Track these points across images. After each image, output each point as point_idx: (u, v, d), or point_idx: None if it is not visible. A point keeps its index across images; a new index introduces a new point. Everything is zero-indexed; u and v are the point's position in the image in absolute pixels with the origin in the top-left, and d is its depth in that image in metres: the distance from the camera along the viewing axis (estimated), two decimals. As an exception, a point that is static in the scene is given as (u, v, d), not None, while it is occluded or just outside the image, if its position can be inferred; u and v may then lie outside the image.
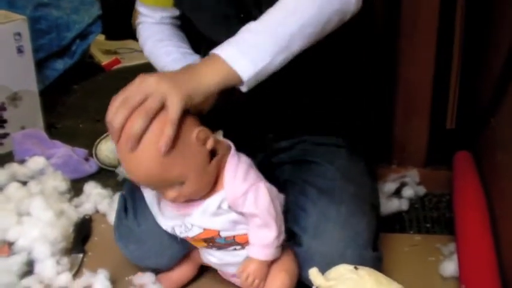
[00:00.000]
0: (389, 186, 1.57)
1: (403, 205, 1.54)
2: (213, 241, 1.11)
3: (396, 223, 1.51)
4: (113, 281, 1.27)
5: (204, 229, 1.09)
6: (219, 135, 1.10)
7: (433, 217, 1.53)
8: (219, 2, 1.18)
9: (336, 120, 1.30)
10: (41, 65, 2.20)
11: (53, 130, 2.02)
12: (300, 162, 1.27)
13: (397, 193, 1.58)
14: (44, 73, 2.24)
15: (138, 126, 0.94)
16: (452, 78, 1.57)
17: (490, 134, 1.46)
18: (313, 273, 0.98)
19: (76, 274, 1.33)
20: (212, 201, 1.07)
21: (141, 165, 0.98)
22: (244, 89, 1.01)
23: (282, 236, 1.10)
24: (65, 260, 1.34)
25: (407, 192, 1.58)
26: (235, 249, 1.12)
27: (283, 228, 1.10)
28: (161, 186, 1.04)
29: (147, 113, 0.94)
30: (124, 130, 0.95)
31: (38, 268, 1.31)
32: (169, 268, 1.26)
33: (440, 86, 1.57)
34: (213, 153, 1.05)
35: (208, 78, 0.98)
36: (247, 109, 1.24)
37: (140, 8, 1.34)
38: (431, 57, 1.53)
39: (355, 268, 0.97)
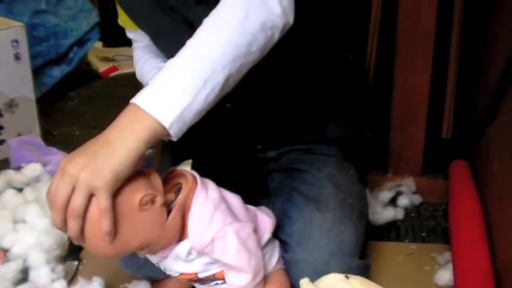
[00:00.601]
0: (385, 194, 1.57)
1: (399, 214, 1.54)
2: (195, 280, 1.09)
3: (391, 232, 1.51)
4: (108, 288, 1.28)
5: (181, 273, 1.07)
6: (187, 166, 1.05)
7: (428, 226, 1.53)
8: (176, 27, 1.13)
9: (325, 129, 1.29)
10: (38, 72, 2.21)
11: (50, 137, 2.02)
12: (288, 170, 1.26)
13: (393, 202, 1.58)
14: (41, 80, 2.25)
15: (73, 228, 0.90)
16: (449, 87, 1.57)
17: (486, 144, 1.47)
18: (304, 284, 0.98)
19: (71, 282, 1.32)
20: (181, 249, 1.02)
21: (97, 252, 0.96)
22: (173, 138, 0.93)
23: (260, 275, 1.05)
24: (60, 268, 1.33)
25: (403, 201, 1.58)
26: (217, 283, 1.09)
27: (261, 266, 1.05)
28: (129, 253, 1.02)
29: (76, 214, 0.89)
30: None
31: (32, 275, 1.31)
32: (164, 278, 1.25)
33: (437, 95, 1.57)
34: (177, 188, 1.01)
35: (133, 142, 0.89)
36: (235, 120, 1.23)
37: (129, 34, 1.33)
38: (428, 66, 1.54)
39: (346, 277, 0.97)
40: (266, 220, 1.12)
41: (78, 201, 0.88)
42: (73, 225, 0.90)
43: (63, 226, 0.91)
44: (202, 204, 1.01)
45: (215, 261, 1.04)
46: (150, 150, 1.01)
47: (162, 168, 1.02)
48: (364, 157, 1.36)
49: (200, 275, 1.07)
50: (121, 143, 0.89)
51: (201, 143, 1.19)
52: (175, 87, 0.92)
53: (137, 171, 0.94)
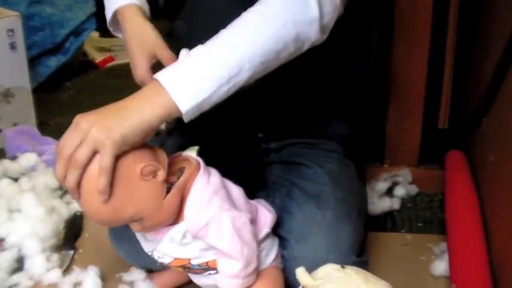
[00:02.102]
0: (382, 185, 1.57)
1: (395, 204, 1.54)
2: (188, 267, 1.09)
3: (388, 222, 1.51)
4: (103, 277, 1.28)
5: (175, 258, 1.07)
6: (193, 151, 1.06)
7: (425, 216, 1.53)
8: None
9: (328, 123, 1.28)
10: (34, 61, 2.20)
11: (46, 127, 2.02)
12: (288, 164, 1.26)
13: (389, 192, 1.58)
14: (37, 70, 2.24)
15: (71, 178, 0.92)
16: (445, 78, 1.57)
17: (482, 134, 1.47)
18: (300, 273, 0.98)
19: (66, 271, 1.32)
20: (176, 232, 1.03)
21: (91, 212, 0.97)
22: (185, 119, 0.96)
23: (253, 266, 1.05)
24: (55, 257, 1.33)
25: (400, 191, 1.58)
26: (210, 273, 1.09)
27: (254, 258, 1.05)
28: (121, 224, 1.02)
29: (76, 165, 0.91)
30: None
31: (28, 264, 1.31)
32: (163, 268, 1.24)
33: (433, 85, 1.57)
34: (180, 172, 1.02)
35: (148, 113, 0.92)
36: (238, 107, 1.22)
37: None
38: (424, 57, 1.53)
39: (342, 267, 0.97)
40: (266, 215, 1.12)
41: (81, 153, 0.90)
42: (72, 176, 0.92)
43: (63, 179, 0.93)
44: (203, 188, 1.02)
45: (209, 248, 1.04)
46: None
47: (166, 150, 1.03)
48: (363, 151, 1.36)
49: (193, 261, 1.06)
50: (137, 110, 0.92)
51: (205, 124, 1.18)
52: (200, 77, 0.94)
53: (145, 145, 0.96)
